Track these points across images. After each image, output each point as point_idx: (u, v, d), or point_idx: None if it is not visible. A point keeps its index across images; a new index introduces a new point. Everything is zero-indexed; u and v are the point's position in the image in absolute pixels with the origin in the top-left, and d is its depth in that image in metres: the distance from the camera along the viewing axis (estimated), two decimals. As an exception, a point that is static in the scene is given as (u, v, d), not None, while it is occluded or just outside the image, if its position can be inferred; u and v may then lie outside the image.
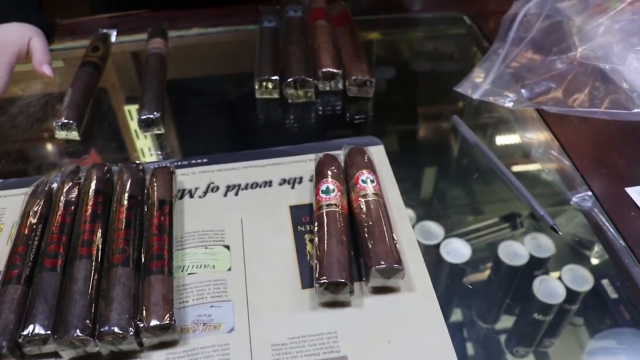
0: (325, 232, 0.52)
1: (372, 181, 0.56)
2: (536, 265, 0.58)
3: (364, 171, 0.57)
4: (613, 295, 0.55)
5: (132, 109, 0.76)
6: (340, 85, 0.75)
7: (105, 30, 0.84)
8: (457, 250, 0.59)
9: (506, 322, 0.53)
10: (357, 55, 0.76)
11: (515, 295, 0.55)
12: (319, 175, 0.58)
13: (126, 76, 0.86)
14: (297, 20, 0.84)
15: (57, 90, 0.79)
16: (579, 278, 0.57)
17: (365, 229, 0.52)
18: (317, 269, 0.50)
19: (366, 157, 0.60)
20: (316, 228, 0.53)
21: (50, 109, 0.75)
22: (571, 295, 0.55)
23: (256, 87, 0.74)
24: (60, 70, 0.85)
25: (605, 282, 0.56)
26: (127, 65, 0.86)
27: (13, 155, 0.69)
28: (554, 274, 0.57)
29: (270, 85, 0.73)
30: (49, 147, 0.70)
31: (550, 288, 0.56)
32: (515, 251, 0.59)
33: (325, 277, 0.49)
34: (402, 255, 0.52)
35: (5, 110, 0.75)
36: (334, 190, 0.56)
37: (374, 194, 0.55)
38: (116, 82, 0.84)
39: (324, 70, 0.74)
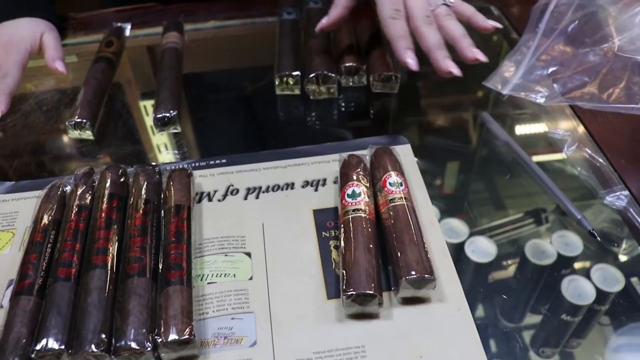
0: (352, 240, 0.49)
1: (400, 184, 0.53)
2: (564, 264, 0.56)
3: (392, 173, 0.54)
4: None
5: (147, 106, 0.74)
6: (364, 81, 0.72)
7: (119, 24, 0.81)
8: (482, 249, 0.56)
9: (534, 323, 0.51)
10: (381, 49, 0.73)
11: (543, 296, 0.53)
12: (344, 178, 0.55)
13: (141, 71, 0.83)
14: (318, 11, 0.80)
15: (71, 86, 0.77)
16: (610, 278, 0.54)
17: (394, 236, 0.49)
18: (344, 280, 0.47)
19: (394, 158, 0.57)
20: (342, 235, 0.51)
21: (64, 106, 0.73)
22: (601, 295, 0.53)
23: (276, 82, 0.71)
24: (73, 66, 0.83)
25: (635, 280, 0.54)
26: (142, 60, 0.84)
27: (25, 155, 0.66)
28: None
29: (291, 81, 0.71)
30: (62, 147, 0.68)
31: (579, 288, 0.53)
32: (542, 249, 0.57)
33: (352, 289, 0.46)
34: (433, 263, 0.49)
35: (18, 109, 0.73)
36: (360, 194, 0.53)
37: (402, 197, 0.52)
38: (131, 77, 0.81)
39: (347, 65, 0.71)
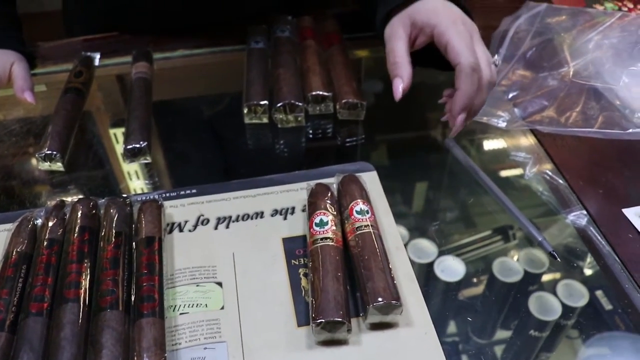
0: (321, 268, 0.51)
1: (367, 212, 0.55)
2: (531, 281, 0.58)
3: (359, 201, 0.56)
4: (608, 307, 0.55)
5: (118, 134, 0.74)
6: (330, 109, 0.73)
7: (88, 54, 0.82)
8: (451, 268, 0.58)
9: (503, 340, 0.53)
10: (348, 76, 0.75)
11: (511, 313, 0.55)
12: (312, 207, 0.56)
13: (111, 99, 0.84)
14: (285, 40, 0.82)
15: (40, 116, 0.77)
16: (575, 293, 0.56)
17: (362, 264, 0.51)
18: (313, 307, 0.48)
19: (360, 186, 0.58)
20: (311, 263, 0.52)
21: (33, 137, 0.73)
22: (567, 310, 0.55)
23: (245, 112, 0.72)
24: (43, 95, 0.83)
25: (599, 293, 0.56)
26: (111, 89, 0.84)
27: (-6, 187, 0.66)
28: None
29: (259, 110, 0.72)
30: (32, 178, 0.68)
31: (546, 304, 0.55)
32: (509, 267, 0.59)
33: (321, 316, 0.47)
34: (400, 289, 0.50)
35: (-15, 140, 0.73)
36: (327, 222, 0.54)
37: (369, 225, 0.54)
38: (101, 105, 0.82)
39: (313, 93, 0.72)
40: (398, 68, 0.63)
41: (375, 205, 0.58)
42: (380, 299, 0.48)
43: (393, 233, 0.58)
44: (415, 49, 0.67)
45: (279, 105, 0.70)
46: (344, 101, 0.72)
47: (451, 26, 0.61)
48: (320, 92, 0.72)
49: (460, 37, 0.61)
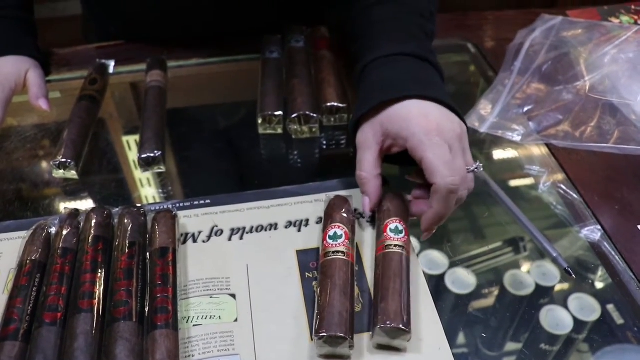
0: (329, 282, 0.50)
1: (400, 231, 0.54)
2: (542, 294, 0.58)
3: (395, 219, 0.55)
4: (620, 321, 0.55)
5: (131, 142, 0.75)
6: (345, 120, 0.73)
7: (103, 61, 0.82)
8: (462, 280, 0.58)
9: (514, 354, 0.53)
10: None
11: (522, 326, 0.55)
12: (328, 219, 0.56)
13: (125, 107, 0.84)
14: (300, 50, 0.82)
15: (55, 123, 0.77)
16: (586, 307, 0.56)
17: (381, 282, 0.51)
18: (317, 321, 0.48)
19: (403, 206, 0.57)
20: (320, 275, 0.52)
21: (48, 144, 0.73)
22: (579, 324, 0.55)
23: (259, 122, 0.72)
24: (57, 102, 0.83)
25: (611, 307, 0.56)
26: (125, 96, 0.85)
27: (9, 195, 0.67)
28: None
29: (273, 120, 0.72)
30: (46, 186, 0.68)
31: (557, 318, 0.55)
32: (520, 280, 0.58)
33: (324, 330, 0.47)
34: (413, 310, 0.50)
35: (1, 147, 0.73)
36: (341, 236, 0.54)
37: (400, 246, 0.53)
38: (114, 112, 0.82)
39: (328, 104, 0.72)
40: (365, 185, 0.58)
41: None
42: (388, 322, 0.47)
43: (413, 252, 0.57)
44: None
45: (293, 116, 0.70)
46: None
47: (425, 140, 0.54)
48: (335, 104, 0.72)
49: (436, 152, 0.53)
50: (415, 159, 0.55)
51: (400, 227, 0.55)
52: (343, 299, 0.49)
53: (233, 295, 0.53)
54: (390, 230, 0.54)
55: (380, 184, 0.58)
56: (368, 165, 0.58)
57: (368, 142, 0.58)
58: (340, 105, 0.72)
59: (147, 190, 0.69)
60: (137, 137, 0.74)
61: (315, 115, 0.71)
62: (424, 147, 0.53)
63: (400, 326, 0.47)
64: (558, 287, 0.58)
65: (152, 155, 0.66)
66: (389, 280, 0.50)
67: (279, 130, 0.73)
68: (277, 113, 0.71)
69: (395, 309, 0.48)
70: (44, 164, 0.70)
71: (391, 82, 0.59)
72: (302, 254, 0.57)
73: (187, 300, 0.53)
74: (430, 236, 0.57)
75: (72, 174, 0.66)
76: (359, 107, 0.60)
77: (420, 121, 0.55)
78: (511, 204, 0.63)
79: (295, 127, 0.71)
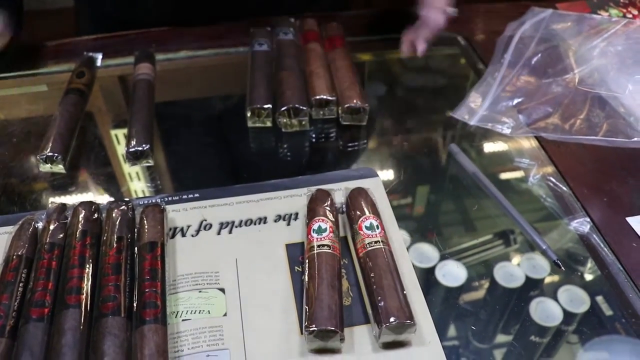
0: (317, 275, 0.50)
1: (377, 227, 0.54)
2: (532, 287, 0.58)
3: (369, 216, 0.55)
4: (609, 312, 0.55)
5: (120, 137, 0.74)
6: (334, 113, 0.73)
7: (90, 54, 0.81)
8: (453, 273, 0.58)
9: (504, 346, 0.53)
10: (351, 80, 0.74)
11: (512, 318, 0.55)
12: (311, 213, 0.56)
13: (112, 100, 0.83)
14: (289, 42, 0.81)
15: (42, 117, 0.76)
16: (576, 299, 0.56)
17: (373, 281, 0.50)
18: (307, 315, 0.48)
19: (369, 200, 0.58)
20: (307, 270, 0.52)
21: (34, 138, 0.72)
22: (568, 316, 0.55)
23: (248, 115, 0.71)
24: (44, 95, 0.83)
25: (600, 299, 0.56)
26: (113, 89, 0.84)
27: (-6, 189, 0.66)
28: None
29: (262, 114, 0.71)
30: (33, 180, 0.67)
31: (547, 310, 0.55)
32: (511, 272, 0.58)
33: (314, 325, 0.47)
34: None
35: (-14, 141, 0.72)
36: (326, 229, 0.54)
37: (379, 241, 0.53)
38: (102, 106, 0.81)
39: (317, 97, 0.72)
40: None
41: (379, 211, 0.58)
42: (393, 319, 0.47)
43: (397, 240, 0.57)
44: None
45: (282, 109, 0.70)
46: (346, 105, 0.71)
47: None
48: (325, 97, 0.72)
49: None
50: None
51: (375, 223, 0.55)
52: (331, 292, 0.49)
53: (222, 290, 0.53)
54: (366, 227, 0.55)
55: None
56: None
57: None
58: (330, 97, 0.72)
59: (136, 184, 0.68)
60: (125, 130, 0.73)
61: (304, 108, 0.70)
62: None
63: (407, 321, 0.47)
64: (548, 280, 0.58)
65: (140, 149, 0.65)
66: (380, 278, 0.50)
67: (268, 124, 0.72)
68: (265, 106, 0.71)
69: (397, 304, 0.48)
70: (31, 158, 0.70)
71: None
72: (291, 248, 0.56)
73: (176, 294, 0.52)
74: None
75: (59, 168, 0.66)
76: None
77: None
78: (501, 196, 0.64)
79: (285, 120, 0.71)
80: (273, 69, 0.78)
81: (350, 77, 0.75)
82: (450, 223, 0.65)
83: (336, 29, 0.86)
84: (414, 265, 0.56)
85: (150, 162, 0.66)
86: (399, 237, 0.58)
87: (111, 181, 0.68)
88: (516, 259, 0.60)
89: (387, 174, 0.68)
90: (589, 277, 0.59)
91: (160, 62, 0.83)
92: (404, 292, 0.50)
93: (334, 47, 0.81)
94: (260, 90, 0.73)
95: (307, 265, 0.52)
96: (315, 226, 0.54)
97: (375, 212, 0.56)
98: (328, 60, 0.79)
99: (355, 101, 0.71)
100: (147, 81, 0.75)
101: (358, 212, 0.56)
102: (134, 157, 0.66)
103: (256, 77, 0.75)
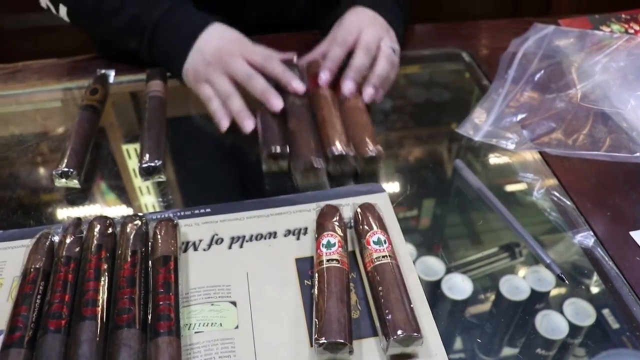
0: (326, 289, 0.52)
1: (384, 242, 0.56)
2: (538, 299, 0.58)
3: (376, 231, 0.57)
4: (615, 325, 0.56)
5: (131, 152, 0.76)
6: (352, 168, 0.69)
7: (103, 71, 0.83)
8: (459, 286, 0.59)
9: (510, 358, 0.54)
10: (365, 124, 0.70)
11: (518, 331, 0.55)
12: (320, 228, 0.58)
13: (125, 116, 0.85)
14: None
15: (56, 133, 0.78)
16: (581, 312, 0.57)
17: (381, 294, 0.52)
18: (316, 328, 0.49)
19: (377, 215, 0.59)
20: (316, 284, 0.53)
21: (50, 153, 0.74)
22: (574, 329, 0.56)
23: (263, 161, 0.68)
24: (58, 111, 0.84)
25: (606, 312, 0.57)
26: (125, 106, 0.86)
27: (12, 204, 0.67)
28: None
29: (279, 158, 0.68)
30: (49, 195, 0.69)
31: (553, 323, 0.56)
32: (516, 285, 0.59)
33: (324, 337, 0.48)
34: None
35: (4, 156, 0.74)
36: (334, 244, 0.55)
37: (387, 256, 0.55)
38: (115, 122, 0.83)
39: (335, 153, 0.67)
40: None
41: (387, 226, 0.59)
42: (400, 332, 0.49)
43: (404, 254, 0.59)
44: None
45: (299, 166, 0.67)
46: (362, 155, 0.67)
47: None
48: (342, 151, 0.67)
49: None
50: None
51: (383, 238, 0.56)
52: (340, 306, 0.50)
53: (234, 303, 0.54)
54: (374, 242, 0.56)
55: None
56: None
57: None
58: (348, 153, 0.67)
59: (148, 198, 0.70)
60: (136, 145, 0.75)
61: (320, 167, 0.66)
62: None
63: (413, 333, 0.49)
64: (553, 292, 0.59)
65: (152, 164, 0.67)
66: (387, 292, 0.51)
67: (284, 167, 0.69)
68: (281, 151, 0.68)
69: (404, 317, 0.49)
70: (46, 174, 0.71)
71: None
72: (300, 262, 0.58)
73: (189, 307, 0.54)
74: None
75: (74, 182, 0.67)
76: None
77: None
78: (505, 211, 0.65)
79: (302, 176, 0.67)
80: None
81: (364, 121, 0.71)
82: (456, 237, 0.66)
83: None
84: (420, 279, 0.57)
85: (163, 178, 0.68)
86: (405, 251, 0.59)
87: (124, 195, 0.70)
88: (522, 272, 0.61)
89: (394, 189, 0.69)
90: (594, 289, 0.59)
91: (172, 79, 0.84)
92: (411, 305, 0.51)
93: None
94: (275, 133, 0.70)
95: (316, 279, 0.53)
96: (324, 241, 0.55)
97: (383, 227, 0.58)
98: (339, 101, 0.75)
99: (371, 149, 0.67)
100: (158, 98, 0.76)
101: (366, 227, 0.58)
102: (147, 173, 0.67)
103: (266, 119, 0.72)
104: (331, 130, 0.69)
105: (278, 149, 0.68)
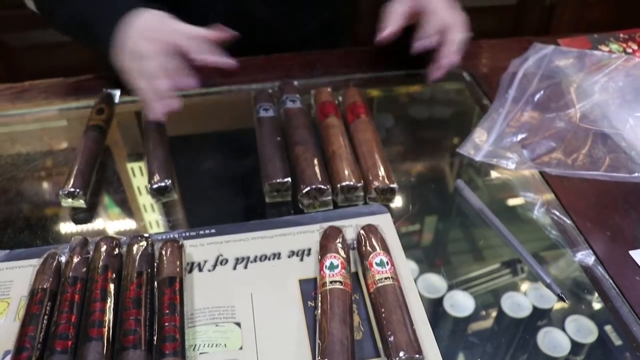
0: (329, 311, 0.52)
1: (386, 263, 0.57)
2: (539, 317, 0.59)
3: (379, 252, 0.58)
4: (617, 342, 0.56)
5: (136, 171, 0.77)
6: (361, 198, 0.68)
7: (109, 91, 0.84)
8: (460, 303, 0.60)
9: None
10: (378, 156, 0.70)
11: (519, 348, 0.56)
12: (324, 249, 0.58)
13: (130, 135, 0.86)
14: (298, 112, 0.77)
15: (63, 152, 0.79)
16: (583, 329, 0.58)
17: (383, 316, 0.52)
18: (319, 349, 0.50)
19: (379, 237, 0.60)
20: (320, 305, 0.54)
21: (56, 173, 0.75)
22: (576, 346, 0.56)
23: (265, 190, 0.68)
24: (64, 130, 0.85)
25: (608, 328, 0.57)
26: (131, 125, 0.86)
27: (19, 223, 0.68)
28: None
29: (282, 188, 0.68)
30: (55, 215, 0.70)
31: (555, 340, 0.56)
32: (518, 302, 0.60)
33: (327, 359, 0.49)
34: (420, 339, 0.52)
35: (11, 175, 0.75)
36: (337, 266, 0.56)
37: (389, 277, 0.55)
38: (120, 140, 0.84)
39: (343, 184, 0.67)
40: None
41: (389, 246, 0.60)
42: (402, 353, 0.49)
43: (406, 275, 0.59)
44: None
45: (305, 190, 0.66)
46: (374, 187, 0.67)
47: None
48: (351, 184, 0.67)
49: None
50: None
51: (385, 260, 0.57)
52: (343, 327, 0.51)
53: (238, 324, 0.55)
54: (376, 264, 0.57)
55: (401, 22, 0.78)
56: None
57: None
58: (357, 184, 0.67)
59: (153, 217, 0.70)
60: (141, 164, 0.76)
61: (327, 187, 0.66)
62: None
63: (416, 355, 0.49)
64: (555, 309, 0.60)
65: (162, 184, 0.68)
66: (390, 314, 0.52)
67: (288, 198, 0.69)
68: (284, 180, 0.68)
69: (406, 339, 0.50)
70: (53, 193, 0.72)
71: None
72: (304, 283, 0.59)
73: (194, 328, 0.54)
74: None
75: (80, 202, 0.68)
76: None
77: None
78: (506, 231, 0.66)
79: (308, 201, 0.67)
80: (285, 138, 0.75)
81: (376, 153, 0.71)
82: (458, 254, 0.67)
83: (356, 95, 0.81)
84: (421, 296, 0.58)
85: (174, 197, 0.69)
86: (408, 272, 0.60)
87: (130, 215, 0.71)
88: (523, 289, 0.62)
89: (396, 209, 0.70)
90: (596, 306, 0.60)
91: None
92: (413, 327, 0.52)
93: (356, 117, 0.76)
94: (276, 164, 0.69)
95: (319, 300, 0.54)
96: (327, 263, 0.56)
97: (385, 249, 0.59)
98: (350, 133, 0.75)
99: (384, 181, 0.67)
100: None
101: (369, 249, 0.58)
102: (158, 193, 0.68)
103: (268, 148, 0.72)
104: (340, 162, 0.69)
105: (280, 179, 0.68)
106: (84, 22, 0.77)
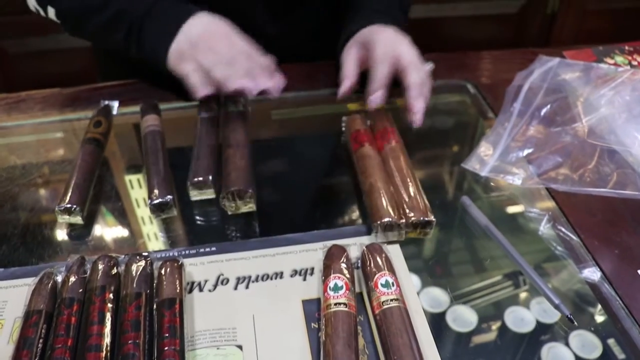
0: (333, 334, 0.51)
1: (392, 284, 0.55)
2: (543, 331, 0.58)
3: (384, 273, 0.56)
4: (621, 356, 0.55)
5: (135, 185, 0.75)
6: (402, 236, 0.65)
7: (107, 102, 0.83)
8: (463, 318, 0.59)
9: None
10: (414, 188, 0.67)
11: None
12: (327, 270, 0.57)
13: (128, 147, 0.84)
14: (236, 115, 0.78)
15: (59, 165, 0.78)
16: (588, 344, 0.57)
17: (389, 340, 0.51)
18: None
19: (384, 257, 0.58)
20: (324, 328, 0.52)
21: (52, 188, 0.74)
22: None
23: (189, 187, 0.69)
24: (60, 142, 0.84)
25: (612, 342, 0.56)
26: (129, 137, 0.85)
27: (14, 240, 0.67)
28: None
29: (204, 186, 0.69)
30: (51, 231, 0.68)
31: (559, 356, 0.55)
32: (521, 317, 0.59)
33: None
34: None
35: (6, 190, 0.73)
36: (342, 287, 0.55)
37: (394, 299, 0.54)
38: (117, 152, 0.82)
39: (384, 221, 0.63)
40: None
41: (393, 265, 0.59)
42: None
43: (412, 295, 0.58)
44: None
45: (227, 192, 0.66)
46: (412, 220, 0.64)
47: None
48: (393, 220, 0.63)
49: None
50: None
51: (391, 280, 0.56)
52: (348, 352, 0.50)
53: (239, 347, 0.53)
54: (382, 285, 0.55)
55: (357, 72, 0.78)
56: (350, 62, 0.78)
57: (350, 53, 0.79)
58: (398, 222, 0.63)
59: (152, 234, 0.69)
60: (139, 177, 0.74)
61: (249, 190, 0.66)
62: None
63: None
64: (559, 324, 0.59)
65: (163, 200, 0.66)
66: (396, 337, 0.51)
67: (212, 196, 0.70)
68: (204, 178, 0.69)
69: None
70: (49, 209, 0.71)
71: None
72: (307, 304, 0.57)
73: (194, 351, 0.53)
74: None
75: (77, 219, 0.66)
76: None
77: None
78: (513, 250, 0.64)
79: (229, 203, 0.67)
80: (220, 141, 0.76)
81: (411, 183, 0.68)
82: (462, 270, 0.66)
83: (385, 119, 0.78)
84: (424, 310, 0.57)
85: (174, 213, 0.67)
86: (413, 291, 0.59)
87: (128, 231, 0.69)
88: (527, 303, 0.60)
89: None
90: (600, 320, 0.59)
91: (166, 112, 0.83)
92: (419, 350, 0.50)
93: (386, 142, 0.74)
94: (204, 162, 0.71)
95: (323, 323, 0.53)
96: (331, 284, 0.55)
97: (391, 269, 0.57)
98: (381, 159, 0.72)
99: (421, 217, 0.64)
100: (157, 132, 0.76)
101: (374, 269, 0.57)
102: (158, 209, 0.67)
103: (201, 147, 0.73)
104: (379, 197, 0.65)
105: (203, 177, 0.69)
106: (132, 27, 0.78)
